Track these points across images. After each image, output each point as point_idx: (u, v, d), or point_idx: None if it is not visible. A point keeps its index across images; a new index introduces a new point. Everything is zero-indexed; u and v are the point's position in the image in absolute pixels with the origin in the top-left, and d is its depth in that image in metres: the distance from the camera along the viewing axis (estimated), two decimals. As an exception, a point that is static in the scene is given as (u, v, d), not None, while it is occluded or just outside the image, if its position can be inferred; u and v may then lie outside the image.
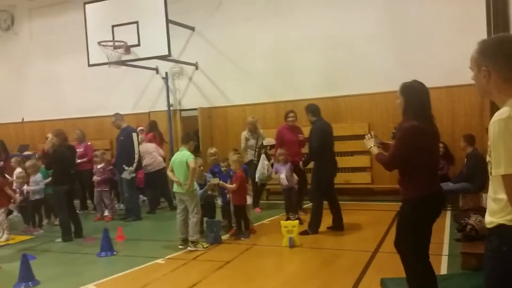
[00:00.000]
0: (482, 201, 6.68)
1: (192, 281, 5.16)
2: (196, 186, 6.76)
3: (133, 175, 8.77)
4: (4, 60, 13.41)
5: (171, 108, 11.39)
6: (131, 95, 11.75)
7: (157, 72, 11.39)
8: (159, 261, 6.03)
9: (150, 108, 11.61)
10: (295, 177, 7.78)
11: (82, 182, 9.60)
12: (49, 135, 9.64)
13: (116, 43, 9.63)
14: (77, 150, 9.42)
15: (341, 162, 8.24)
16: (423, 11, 9.06)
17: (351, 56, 9.60)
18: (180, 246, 6.55)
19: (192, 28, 10.97)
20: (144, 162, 9.21)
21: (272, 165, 8.11)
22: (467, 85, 8.00)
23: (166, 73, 11.33)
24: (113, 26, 9.67)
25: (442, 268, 5.05)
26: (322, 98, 9.23)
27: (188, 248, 6.48)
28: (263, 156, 8.30)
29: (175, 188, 6.63)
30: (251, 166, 8.37)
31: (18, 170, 8.70)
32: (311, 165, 7.36)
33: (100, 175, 8.99)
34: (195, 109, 10.89)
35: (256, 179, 8.33)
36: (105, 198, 9.05)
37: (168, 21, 9.37)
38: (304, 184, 8.27)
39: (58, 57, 12.51)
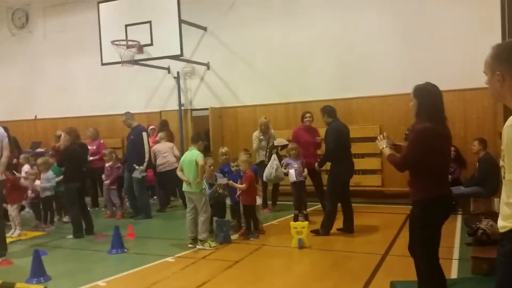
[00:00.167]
0: (494, 206, 6.62)
1: (201, 280, 5.19)
2: (205, 185, 6.80)
3: (144, 174, 8.82)
4: (18, 57, 13.57)
5: (182, 107, 11.44)
6: (143, 94, 11.83)
7: (169, 71, 11.45)
8: (169, 259, 6.07)
9: (162, 108, 11.67)
10: (306, 172, 7.75)
11: (94, 179, 9.69)
12: (58, 132, 9.81)
13: (129, 43, 9.70)
14: (90, 147, 9.51)
15: (352, 164, 8.21)
16: (436, 14, 9.01)
17: (363, 58, 9.58)
18: (189, 245, 6.58)
19: (205, 28, 11.02)
20: (157, 162, 9.29)
21: (282, 165, 8.05)
22: (479, 89, 7.96)
23: (178, 72, 11.38)
24: (126, 26, 9.75)
25: (453, 272, 5.02)
26: (334, 99, 9.19)
27: (197, 246, 6.52)
28: (274, 156, 8.23)
29: (185, 187, 6.67)
30: (262, 167, 8.35)
31: (27, 167, 8.77)
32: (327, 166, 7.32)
33: (108, 173, 9.07)
34: (206, 109, 10.93)
35: (264, 178, 8.28)
36: (112, 196, 9.12)
37: (181, 21, 9.42)
38: (318, 188, 8.18)
39: (71, 55, 12.63)
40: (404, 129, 7.15)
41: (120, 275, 5.51)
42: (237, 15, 10.71)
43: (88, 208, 8.28)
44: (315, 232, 6.85)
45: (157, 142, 9.68)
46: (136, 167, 8.68)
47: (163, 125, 10.33)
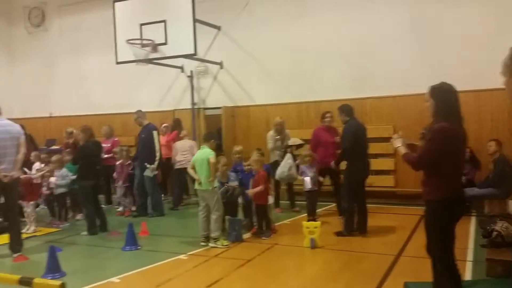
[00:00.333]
0: (509, 208, 6.57)
1: (214, 278, 5.22)
2: (216, 183, 6.83)
3: (155, 172, 8.88)
4: (34, 55, 13.77)
5: (195, 106, 11.49)
6: (157, 93, 11.91)
7: (182, 70, 11.51)
8: (182, 256, 6.12)
9: (175, 106, 11.73)
10: (321, 179, 7.74)
11: (108, 177, 9.78)
12: (70, 129, 9.92)
13: (144, 42, 9.77)
14: (104, 145, 9.59)
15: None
16: (451, 14, 8.95)
17: (376, 58, 9.54)
18: (202, 243, 6.62)
19: (218, 28, 11.06)
20: (176, 159, 9.55)
21: (297, 166, 8.00)
22: (494, 90, 7.89)
23: (191, 71, 11.43)
24: (141, 25, 9.82)
25: (467, 274, 4.98)
26: (346, 99, 9.10)
27: (210, 244, 6.56)
28: (288, 155, 8.16)
29: (196, 185, 6.71)
30: (276, 166, 8.28)
31: (37, 164, 8.87)
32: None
33: (119, 171, 9.16)
34: (219, 108, 10.97)
35: (277, 177, 8.21)
36: (120, 193, 9.22)
37: (195, 21, 9.47)
38: (337, 187, 8.14)
39: (86, 54, 12.78)
40: (420, 130, 7.09)
41: (134, 272, 5.57)
42: (250, 15, 10.73)
43: (102, 206, 8.35)
44: (339, 234, 6.84)
45: (180, 139, 9.82)
46: (148, 166, 8.74)
47: (176, 124, 10.40)
